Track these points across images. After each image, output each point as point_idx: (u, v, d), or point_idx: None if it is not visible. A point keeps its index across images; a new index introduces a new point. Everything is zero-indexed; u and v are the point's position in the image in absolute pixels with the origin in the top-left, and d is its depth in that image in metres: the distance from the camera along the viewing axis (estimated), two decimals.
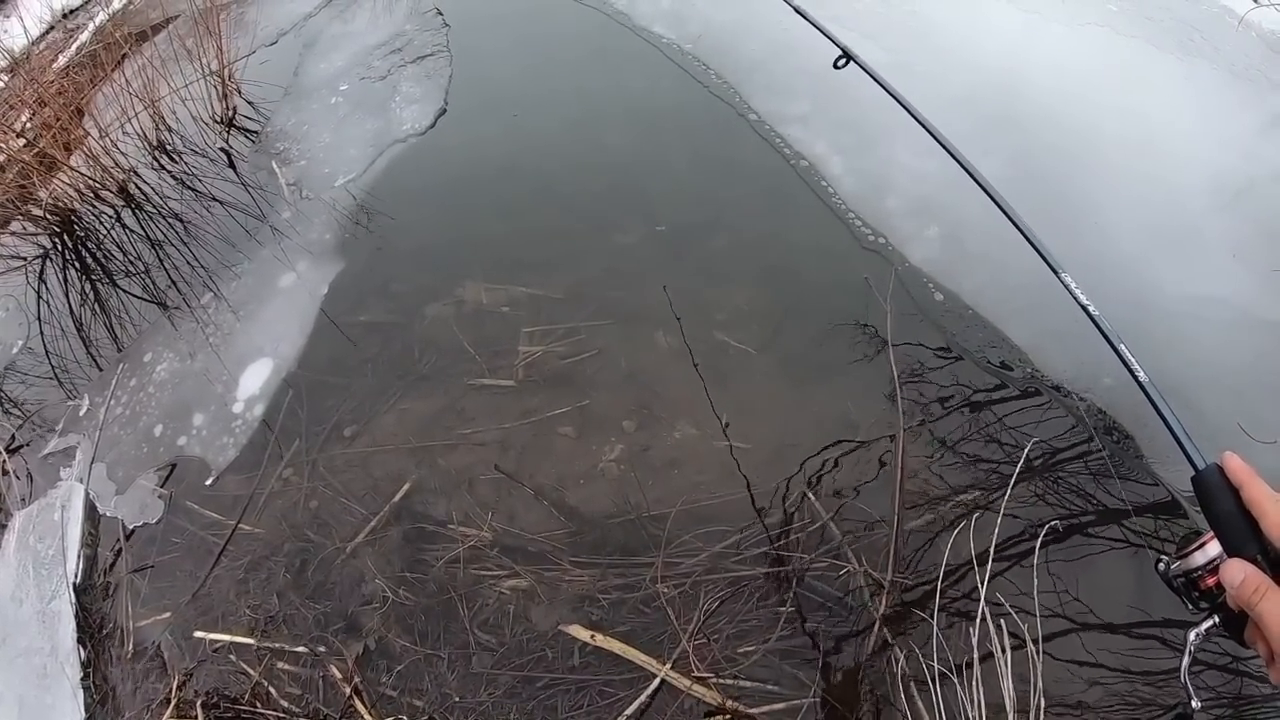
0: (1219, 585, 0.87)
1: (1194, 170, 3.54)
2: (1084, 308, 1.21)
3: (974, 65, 4.10)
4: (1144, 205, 3.39)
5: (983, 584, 2.20)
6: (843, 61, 2.02)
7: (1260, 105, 3.85)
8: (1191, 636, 0.94)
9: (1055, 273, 1.27)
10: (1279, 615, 0.79)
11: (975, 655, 2.10)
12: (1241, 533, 0.87)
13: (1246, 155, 3.61)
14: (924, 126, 1.57)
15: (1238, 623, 0.88)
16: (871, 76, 1.83)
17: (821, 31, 2.11)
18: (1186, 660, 0.95)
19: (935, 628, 2.25)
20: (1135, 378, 1.09)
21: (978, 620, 2.14)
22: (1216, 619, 0.91)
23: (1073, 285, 1.25)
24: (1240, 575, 0.83)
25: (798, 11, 2.27)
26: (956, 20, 4.60)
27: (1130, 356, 1.11)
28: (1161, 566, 0.97)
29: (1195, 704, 0.92)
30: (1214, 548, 0.89)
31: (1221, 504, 0.88)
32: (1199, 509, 0.93)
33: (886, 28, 4.51)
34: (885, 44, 4.41)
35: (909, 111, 1.66)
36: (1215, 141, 3.71)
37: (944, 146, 1.43)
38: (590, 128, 4.72)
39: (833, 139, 4.11)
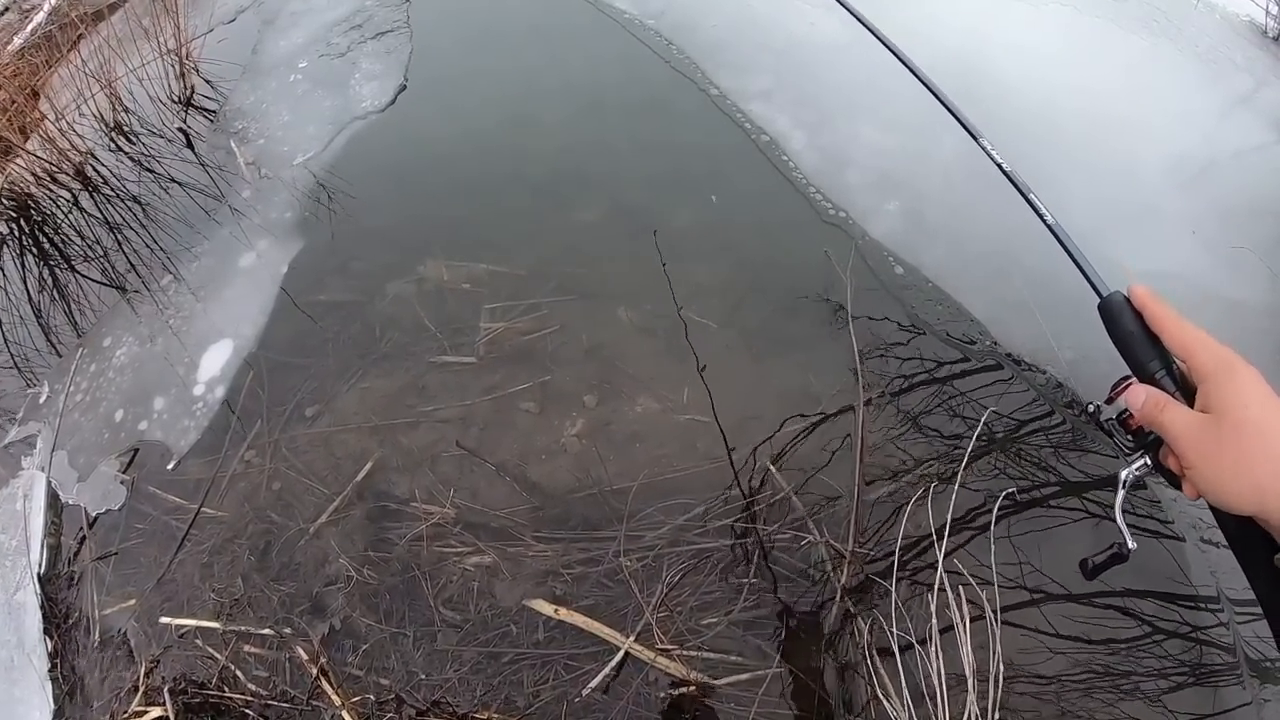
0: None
1: (1154, 149, 3.58)
2: (999, 164, 1.22)
3: (936, 41, 4.11)
4: (1104, 183, 3.43)
5: (941, 554, 2.23)
6: None
7: (1221, 87, 3.89)
8: (1124, 474, 0.95)
9: (975, 138, 1.27)
10: (1180, 423, 0.83)
11: (935, 624, 2.14)
12: (1145, 349, 0.90)
13: (1207, 136, 3.65)
14: (904, 63, 1.54)
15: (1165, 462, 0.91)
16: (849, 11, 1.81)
17: None
18: (1120, 498, 0.97)
19: (894, 596, 2.28)
20: (1044, 220, 1.11)
21: (935, 589, 2.17)
22: (1148, 459, 0.92)
23: (990, 147, 1.25)
24: (1142, 395, 0.88)
25: None
26: None
27: (1041, 205, 1.12)
28: (1093, 408, 0.99)
29: (1131, 544, 0.93)
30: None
31: (1124, 324, 0.92)
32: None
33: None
34: (847, 18, 4.40)
35: (886, 46, 1.64)
36: (1176, 121, 3.75)
37: (928, 87, 1.41)
38: (551, 103, 4.67)
39: (794, 115, 4.12)
